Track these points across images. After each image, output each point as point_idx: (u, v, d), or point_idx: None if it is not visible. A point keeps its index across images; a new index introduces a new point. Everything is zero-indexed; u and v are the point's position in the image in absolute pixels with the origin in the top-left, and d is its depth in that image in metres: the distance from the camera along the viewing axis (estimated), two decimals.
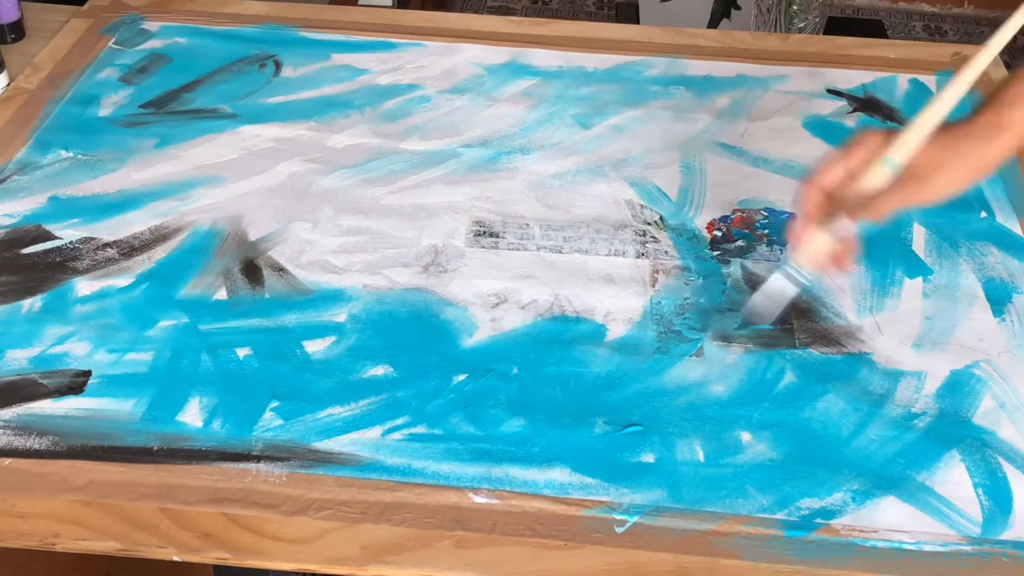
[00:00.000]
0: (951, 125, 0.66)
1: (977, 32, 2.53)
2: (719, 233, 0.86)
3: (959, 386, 0.73)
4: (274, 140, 0.94)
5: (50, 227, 0.83)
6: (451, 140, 0.95)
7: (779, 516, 0.65)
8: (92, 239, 0.82)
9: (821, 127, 0.99)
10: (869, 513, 0.65)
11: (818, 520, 0.64)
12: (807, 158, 0.95)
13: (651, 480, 0.66)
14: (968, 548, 0.63)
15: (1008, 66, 1.07)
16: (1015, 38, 0.72)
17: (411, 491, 0.65)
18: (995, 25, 0.71)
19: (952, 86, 0.66)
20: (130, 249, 0.82)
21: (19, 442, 0.67)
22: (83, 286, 0.78)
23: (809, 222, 0.68)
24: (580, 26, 1.14)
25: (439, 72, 1.05)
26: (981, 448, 0.69)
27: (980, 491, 0.66)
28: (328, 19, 1.12)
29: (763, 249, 0.84)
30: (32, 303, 0.77)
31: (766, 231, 0.86)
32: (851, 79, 1.05)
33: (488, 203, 0.88)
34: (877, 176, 0.66)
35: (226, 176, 0.90)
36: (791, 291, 0.72)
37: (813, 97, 1.03)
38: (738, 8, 1.74)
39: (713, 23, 1.77)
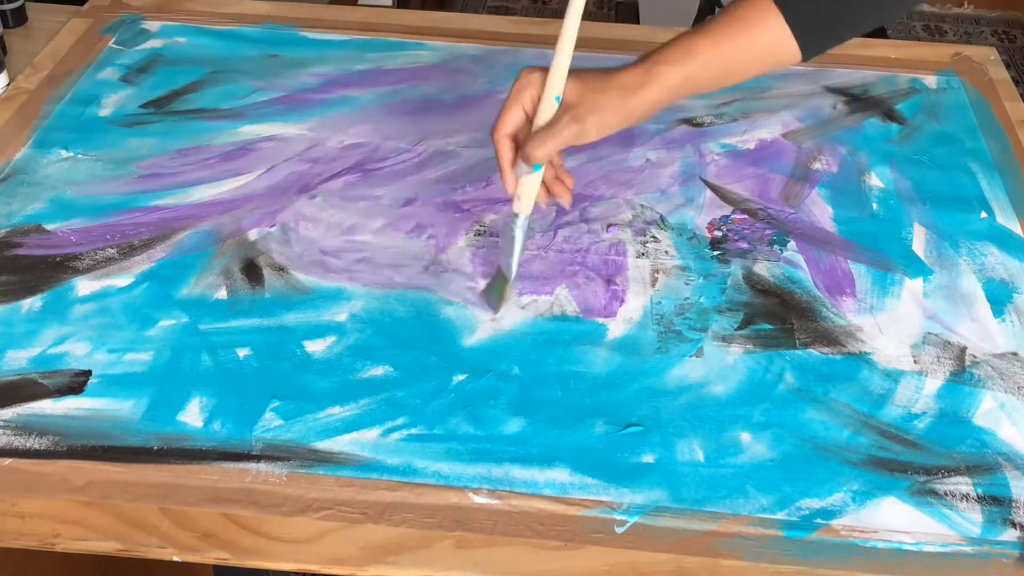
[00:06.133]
0: (612, 71, 0.70)
1: (977, 32, 2.53)
2: (719, 233, 0.86)
3: (959, 386, 0.73)
4: (274, 140, 0.94)
5: (50, 227, 0.83)
6: (451, 140, 0.95)
7: (779, 516, 0.65)
8: (92, 239, 0.82)
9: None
10: (869, 513, 0.65)
11: (818, 520, 0.64)
12: (805, 157, 0.95)
13: (651, 480, 0.66)
14: (968, 548, 0.63)
15: (1008, 66, 1.07)
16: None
17: (411, 491, 0.65)
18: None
19: (573, 3, 0.69)
20: (130, 249, 0.82)
21: (19, 442, 0.67)
22: (83, 286, 0.78)
23: (508, 169, 0.72)
24: (580, 26, 1.14)
25: (439, 72, 1.05)
26: (981, 448, 0.69)
27: (980, 491, 0.66)
28: (328, 19, 1.12)
29: (764, 249, 0.84)
30: (32, 303, 0.77)
31: (766, 231, 0.86)
32: (851, 79, 1.05)
33: (488, 202, 0.88)
34: (547, 112, 0.70)
35: (226, 176, 0.90)
36: (519, 239, 0.74)
37: (813, 97, 1.03)
38: (721, 6, 1.74)
39: (698, 23, 1.78)
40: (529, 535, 0.63)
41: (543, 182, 0.73)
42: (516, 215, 0.73)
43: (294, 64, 1.04)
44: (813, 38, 0.69)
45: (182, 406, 0.70)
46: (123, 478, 0.65)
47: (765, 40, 0.70)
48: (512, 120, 0.71)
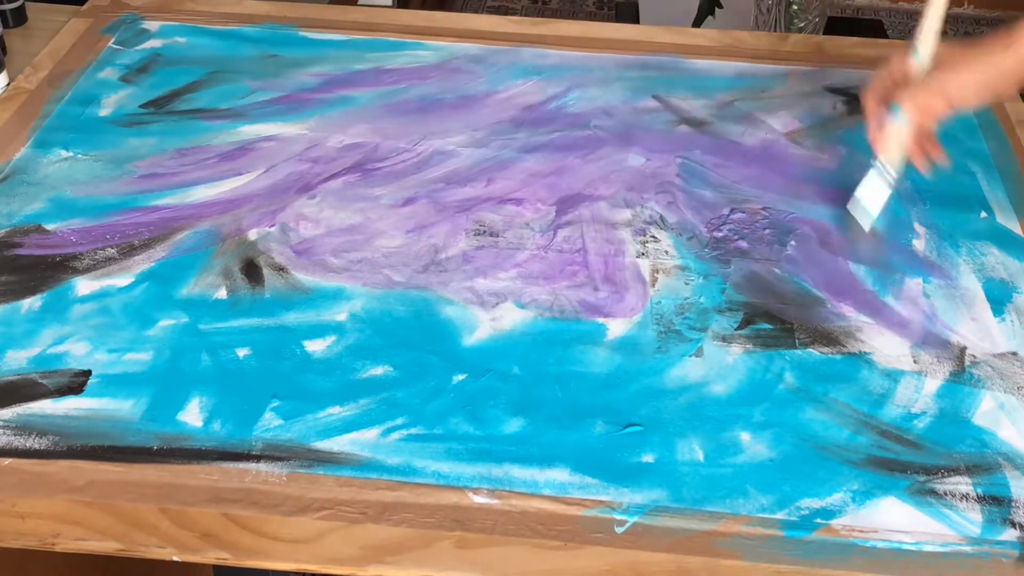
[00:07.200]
0: (971, 41, 0.77)
1: (977, 32, 2.53)
2: (719, 233, 0.86)
3: (959, 386, 0.73)
4: (274, 140, 0.94)
5: (50, 227, 0.83)
6: (451, 140, 0.95)
7: (779, 516, 0.65)
8: (92, 239, 0.82)
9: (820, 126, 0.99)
10: (869, 513, 0.65)
11: (818, 520, 0.64)
12: (806, 157, 0.95)
13: (651, 480, 0.66)
14: (968, 548, 0.63)
15: None
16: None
17: (411, 491, 0.65)
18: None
19: None
20: (130, 249, 0.82)
21: (19, 442, 0.67)
22: (83, 286, 0.78)
23: (874, 106, 0.79)
24: (580, 26, 1.14)
25: (439, 72, 1.05)
26: (981, 448, 0.69)
27: (980, 491, 0.66)
28: (328, 19, 1.12)
29: (763, 249, 0.84)
30: (32, 303, 0.77)
31: (766, 231, 0.86)
32: (851, 79, 1.05)
33: (488, 202, 0.88)
34: (913, 66, 0.79)
35: (226, 176, 0.90)
36: (885, 189, 0.81)
37: (813, 97, 1.03)
38: (720, 7, 1.74)
39: (698, 22, 1.77)
40: (529, 535, 0.63)
41: (917, 145, 0.79)
42: (883, 163, 0.80)
43: (294, 64, 1.04)
44: None
45: (182, 406, 0.70)
46: (123, 478, 0.65)
47: None
48: (899, 64, 0.80)
